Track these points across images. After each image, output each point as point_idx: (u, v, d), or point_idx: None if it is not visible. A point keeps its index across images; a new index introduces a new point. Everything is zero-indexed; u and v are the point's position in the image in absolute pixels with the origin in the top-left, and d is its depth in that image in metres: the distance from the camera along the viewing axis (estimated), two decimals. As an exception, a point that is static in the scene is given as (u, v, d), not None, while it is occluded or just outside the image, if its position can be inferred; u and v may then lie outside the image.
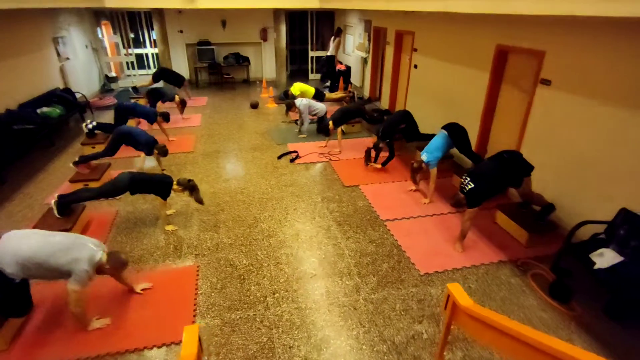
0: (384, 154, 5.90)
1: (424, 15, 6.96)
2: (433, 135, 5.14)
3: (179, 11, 11.32)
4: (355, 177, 5.69)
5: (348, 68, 11.84)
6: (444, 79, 6.47)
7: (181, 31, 11.83)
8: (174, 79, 9.76)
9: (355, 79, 11.62)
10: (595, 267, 3.36)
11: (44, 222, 3.97)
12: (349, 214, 4.76)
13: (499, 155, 3.92)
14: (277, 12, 11.13)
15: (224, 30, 12.20)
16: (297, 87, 9.03)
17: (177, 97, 8.16)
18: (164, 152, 5.47)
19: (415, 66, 7.56)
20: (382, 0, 6.04)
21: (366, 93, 10.70)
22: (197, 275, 3.63)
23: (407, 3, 5.16)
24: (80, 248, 2.80)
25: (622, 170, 3.54)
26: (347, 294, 3.42)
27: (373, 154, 5.93)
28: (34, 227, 3.91)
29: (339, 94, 10.45)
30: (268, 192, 5.29)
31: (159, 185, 4.15)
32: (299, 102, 7.47)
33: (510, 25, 4.80)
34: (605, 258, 3.43)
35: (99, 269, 2.89)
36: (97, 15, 11.46)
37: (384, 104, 9.49)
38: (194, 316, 3.15)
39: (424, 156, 4.79)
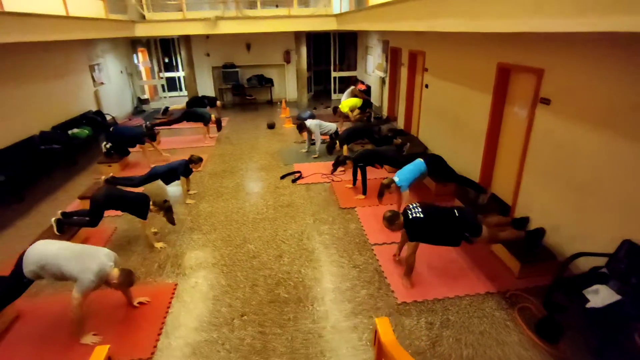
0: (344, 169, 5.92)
1: (432, 35, 6.87)
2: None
3: (207, 36, 11.94)
4: (352, 199, 5.60)
5: (368, 87, 11.87)
6: (452, 99, 6.30)
7: (208, 54, 12.46)
8: (208, 101, 10.51)
9: (374, 98, 11.60)
10: (588, 305, 3.05)
11: (44, 237, 4.23)
12: (338, 236, 4.68)
13: (451, 209, 3.72)
14: (297, 35, 11.44)
15: (248, 53, 12.70)
16: (345, 105, 9.24)
17: (213, 117, 8.74)
18: (198, 159, 5.61)
19: (427, 86, 7.43)
20: (383, 20, 6.05)
21: (385, 112, 10.62)
22: (173, 294, 3.70)
23: (397, 23, 5.14)
24: (92, 259, 2.97)
25: (626, 198, 3.23)
26: (316, 320, 3.33)
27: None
28: (35, 242, 4.18)
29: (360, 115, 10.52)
30: (263, 212, 5.33)
31: (135, 204, 4.22)
32: (309, 122, 7.58)
33: (510, 42, 4.62)
34: (600, 296, 3.12)
35: (107, 281, 3.03)
36: (134, 43, 12.34)
37: (400, 123, 9.36)
38: (159, 335, 3.20)
39: (396, 178, 4.78)
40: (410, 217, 3.56)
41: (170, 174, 5.46)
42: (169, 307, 3.52)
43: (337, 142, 6.78)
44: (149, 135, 7.22)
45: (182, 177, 5.49)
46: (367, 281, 3.84)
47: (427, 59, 7.27)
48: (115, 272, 3.04)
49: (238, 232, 4.83)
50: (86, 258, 2.96)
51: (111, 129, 7.25)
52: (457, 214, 3.62)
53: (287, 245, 4.51)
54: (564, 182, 3.86)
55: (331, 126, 7.62)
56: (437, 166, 5.02)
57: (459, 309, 3.44)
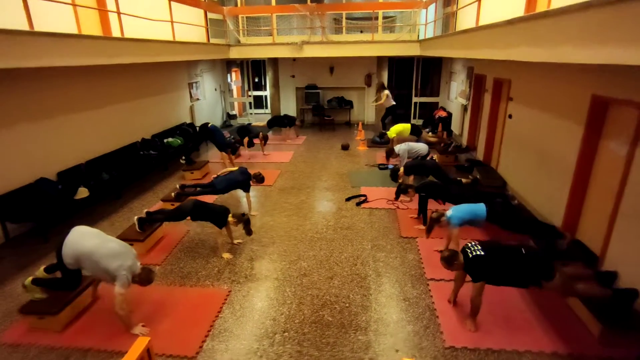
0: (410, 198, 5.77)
1: (519, 62, 6.41)
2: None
3: (293, 59, 12.66)
4: (414, 229, 5.38)
5: (449, 114, 11.42)
6: (537, 131, 5.78)
7: (293, 76, 13.19)
8: (288, 120, 11.09)
9: (455, 126, 11.12)
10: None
11: (127, 233, 4.82)
12: (394, 266, 4.52)
13: (518, 247, 3.37)
14: (380, 60, 11.56)
15: (331, 76, 13.14)
16: (393, 130, 9.22)
17: (260, 134, 9.28)
18: (260, 179, 6.03)
19: (510, 116, 6.92)
20: (462, 47, 5.84)
21: (464, 141, 10.11)
22: (225, 300, 3.90)
23: (475, 51, 4.91)
24: (126, 257, 3.31)
25: None
26: (354, 350, 3.24)
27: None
28: (119, 235, 4.76)
29: (434, 138, 10.27)
30: (322, 232, 5.39)
31: (217, 214, 4.63)
32: (397, 148, 7.57)
33: (609, 72, 4.13)
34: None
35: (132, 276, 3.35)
36: (229, 64, 13.60)
37: (479, 154, 8.81)
38: (206, 336, 3.38)
39: (448, 212, 4.44)
40: (470, 255, 3.33)
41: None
42: (219, 312, 3.72)
43: (402, 169, 6.62)
44: (232, 149, 7.83)
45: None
46: (415, 317, 3.63)
47: (513, 87, 6.80)
48: (139, 269, 3.34)
49: (294, 248, 4.94)
50: (122, 257, 3.26)
51: (209, 125, 8.04)
52: (524, 252, 3.30)
53: (339, 268, 4.48)
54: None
55: (422, 147, 7.52)
56: (497, 215, 4.52)
57: (517, 365, 3.07)
